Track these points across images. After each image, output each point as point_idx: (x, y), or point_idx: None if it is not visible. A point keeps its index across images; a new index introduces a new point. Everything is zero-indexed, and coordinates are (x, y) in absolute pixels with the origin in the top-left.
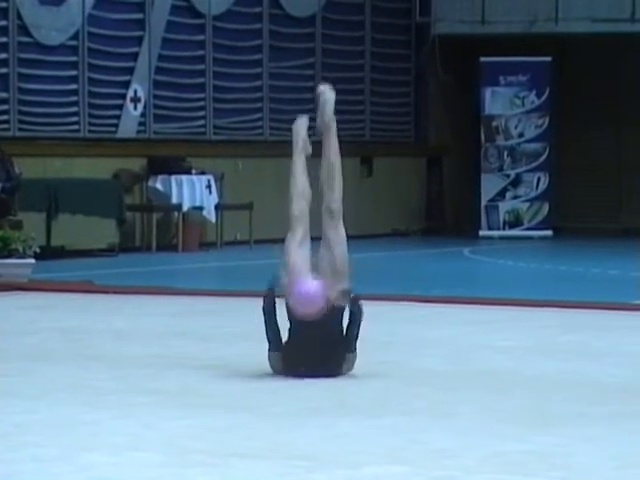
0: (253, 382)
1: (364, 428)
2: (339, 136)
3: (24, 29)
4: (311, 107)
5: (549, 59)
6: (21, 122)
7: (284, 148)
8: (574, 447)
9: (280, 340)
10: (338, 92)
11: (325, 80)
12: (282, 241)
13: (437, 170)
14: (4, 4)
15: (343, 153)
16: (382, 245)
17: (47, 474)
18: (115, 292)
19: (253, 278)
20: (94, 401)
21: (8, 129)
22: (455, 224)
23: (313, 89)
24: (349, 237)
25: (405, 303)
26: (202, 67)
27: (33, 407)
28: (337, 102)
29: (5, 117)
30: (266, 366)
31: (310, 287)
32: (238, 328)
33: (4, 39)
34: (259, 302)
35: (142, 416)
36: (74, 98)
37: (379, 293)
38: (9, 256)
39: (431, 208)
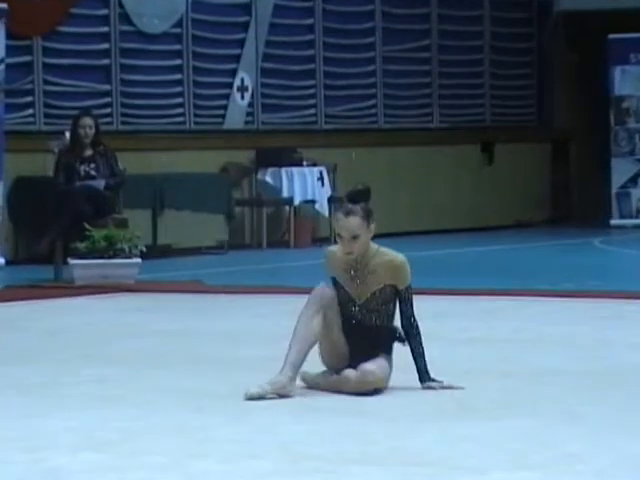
0: None
1: (487, 431)
2: (458, 122)
3: (125, 17)
4: (428, 92)
5: None
6: (124, 115)
7: (400, 136)
8: None
9: None
10: (455, 75)
11: (442, 63)
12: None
13: (563, 156)
14: None
15: (463, 140)
16: (505, 237)
17: None
18: (225, 292)
19: None
20: (205, 406)
21: (111, 123)
22: (583, 213)
23: (430, 73)
24: (468, 229)
25: (532, 298)
26: (312, 53)
27: (142, 413)
28: (455, 86)
29: (108, 110)
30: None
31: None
32: None
33: (105, 29)
34: None
35: (255, 421)
36: (178, 89)
37: (503, 288)
38: (115, 256)
39: (557, 197)
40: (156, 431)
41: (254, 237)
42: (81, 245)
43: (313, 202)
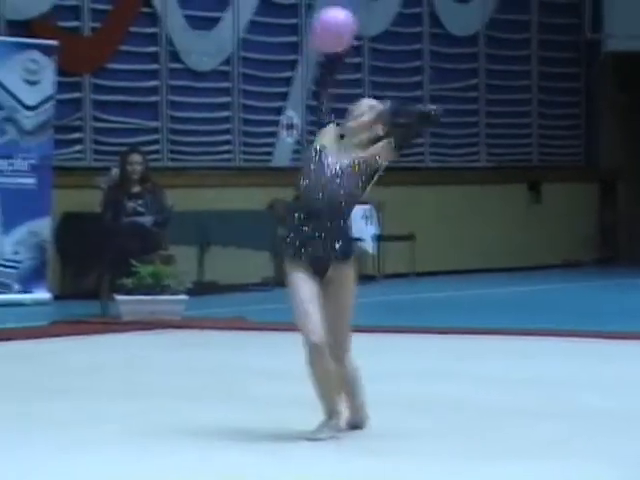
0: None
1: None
2: (505, 161)
3: (175, 55)
4: (475, 131)
5: None
6: (172, 152)
7: (446, 175)
8: None
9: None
10: (503, 115)
11: (489, 102)
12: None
13: (610, 196)
14: (154, 29)
15: (510, 179)
16: (553, 277)
17: None
18: (269, 329)
19: (414, 313)
20: (246, 445)
21: (159, 159)
22: (631, 253)
23: (477, 112)
24: (515, 268)
25: (579, 339)
26: (359, 91)
27: (178, 449)
28: (502, 126)
29: (156, 147)
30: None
31: (339, 16)
32: (405, 365)
33: (154, 66)
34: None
35: (300, 462)
36: (226, 126)
37: (552, 328)
38: (161, 292)
39: (605, 237)
40: (191, 468)
41: None
42: (128, 281)
43: (359, 240)
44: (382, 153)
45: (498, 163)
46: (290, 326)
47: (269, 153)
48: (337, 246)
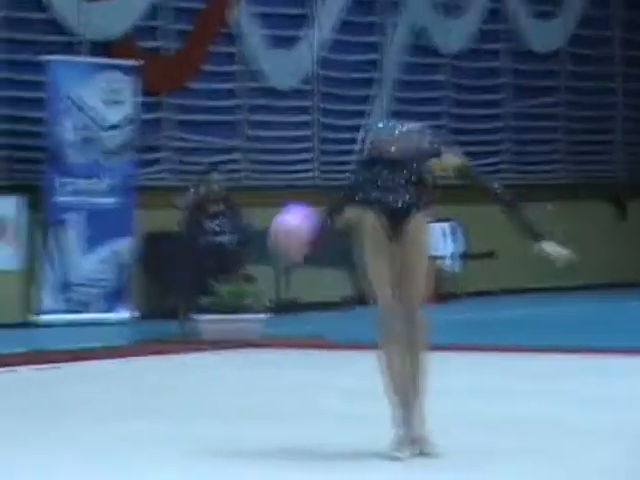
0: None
1: None
2: (588, 177)
3: (254, 74)
4: (557, 148)
5: None
6: (252, 171)
7: (528, 192)
8: None
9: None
10: (586, 132)
11: (571, 119)
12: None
13: None
14: (234, 49)
15: (593, 195)
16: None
17: None
18: (347, 348)
19: (496, 331)
20: (319, 465)
21: (239, 179)
22: None
23: (558, 129)
24: (600, 286)
25: None
26: (439, 109)
27: (248, 469)
28: (585, 143)
29: (236, 166)
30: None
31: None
32: (485, 383)
33: (234, 85)
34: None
35: None
36: (306, 144)
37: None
38: (240, 311)
39: None
40: None
41: None
42: (207, 300)
43: (440, 258)
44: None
45: (581, 180)
46: (367, 345)
47: (347, 171)
48: (410, 196)
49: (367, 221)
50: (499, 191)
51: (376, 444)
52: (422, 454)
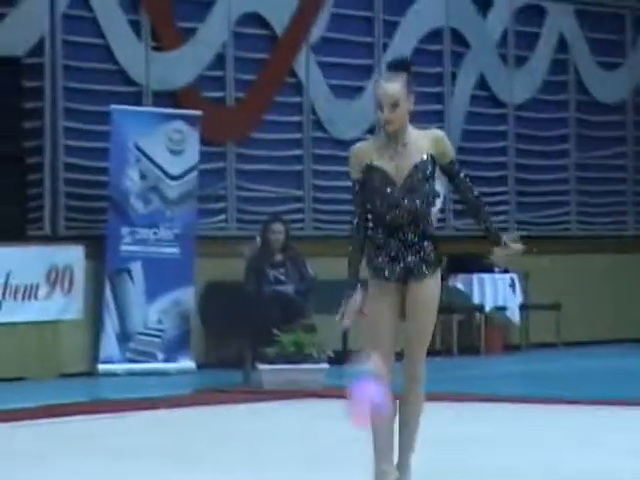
0: None
1: None
2: None
3: (318, 124)
4: (623, 199)
5: None
6: (315, 220)
7: (593, 243)
8: None
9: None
10: None
11: (637, 170)
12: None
13: None
14: (299, 99)
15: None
16: None
17: None
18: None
19: (560, 384)
20: None
21: (302, 228)
22: None
23: (625, 180)
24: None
25: None
26: (504, 159)
27: None
28: None
29: (299, 216)
30: None
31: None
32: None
33: (298, 135)
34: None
35: None
36: None
37: None
38: (303, 361)
39: None
40: None
41: (444, 343)
42: (270, 350)
43: (504, 309)
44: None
45: None
46: (429, 397)
47: None
48: (417, 258)
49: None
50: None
51: None
52: None
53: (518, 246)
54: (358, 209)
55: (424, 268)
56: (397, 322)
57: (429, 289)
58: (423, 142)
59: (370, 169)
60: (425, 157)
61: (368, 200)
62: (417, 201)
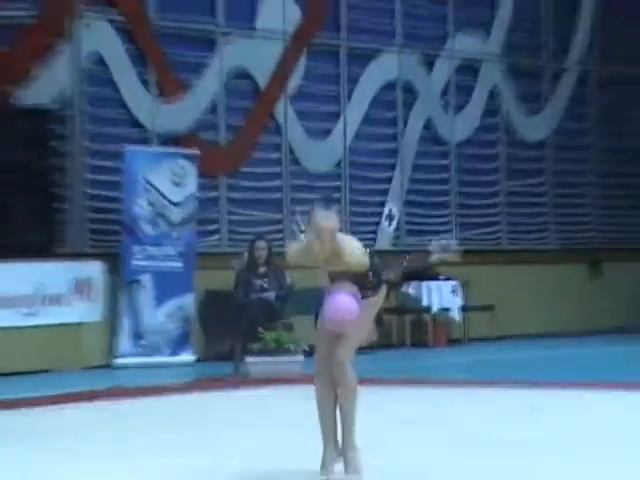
0: None
1: None
2: (570, 243)
3: (295, 160)
4: (544, 220)
5: None
6: (292, 239)
7: (521, 256)
8: None
9: None
10: (568, 205)
11: (557, 195)
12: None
13: None
14: (278, 139)
15: (574, 258)
16: (611, 339)
17: None
18: (372, 382)
19: (493, 370)
20: None
21: (281, 245)
22: None
23: (545, 204)
24: (578, 332)
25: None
26: (447, 187)
27: None
28: (568, 214)
29: (279, 235)
30: None
31: (342, 300)
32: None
33: (278, 169)
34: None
35: None
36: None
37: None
38: (283, 354)
39: None
40: None
41: (399, 338)
42: (255, 345)
43: (448, 310)
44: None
45: (563, 244)
46: (389, 382)
47: (373, 239)
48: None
49: None
50: (405, 264)
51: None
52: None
53: (450, 255)
54: None
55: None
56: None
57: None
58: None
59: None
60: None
61: None
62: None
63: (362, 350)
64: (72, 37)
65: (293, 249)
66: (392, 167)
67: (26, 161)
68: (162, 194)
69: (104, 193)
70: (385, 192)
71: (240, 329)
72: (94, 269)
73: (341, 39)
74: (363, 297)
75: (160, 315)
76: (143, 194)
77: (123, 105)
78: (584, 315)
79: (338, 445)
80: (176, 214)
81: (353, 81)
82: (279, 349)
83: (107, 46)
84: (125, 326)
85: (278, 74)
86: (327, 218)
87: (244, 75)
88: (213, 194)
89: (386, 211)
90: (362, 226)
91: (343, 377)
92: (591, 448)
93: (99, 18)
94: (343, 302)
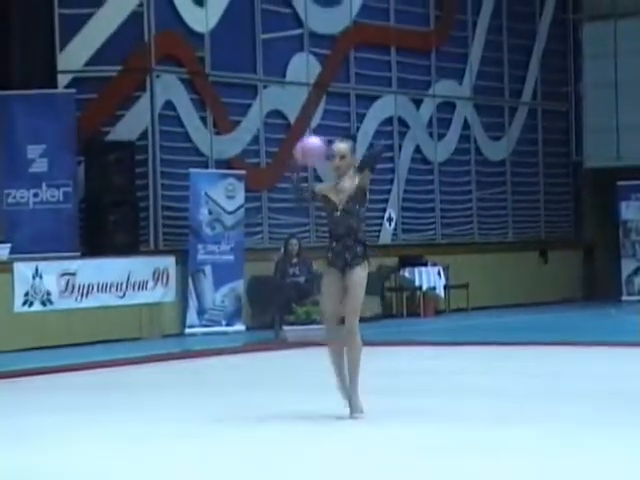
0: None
1: None
2: (524, 236)
3: (318, 177)
4: (505, 220)
5: None
6: (317, 237)
7: (488, 246)
8: None
9: None
10: (525, 208)
11: (515, 201)
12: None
13: (590, 258)
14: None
15: (527, 248)
16: (553, 309)
17: None
18: (379, 344)
19: (470, 333)
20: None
21: (309, 242)
22: (604, 293)
23: (506, 207)
24: (530, 304)
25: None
26: (432, 197)
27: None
28: (524, 215)
29: (307, 234)
30: None
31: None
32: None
33: (305, 184)
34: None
35: None
36: None
37: (550, 340)
38: (311, 324)
39: (588, 283)
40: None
41: (397, 310)
42: (290, 317)
43: (434, 288)
44: (365, 180)
45: (520, 238)
46: (388, 343)
47: (377, 236)
48: (351, 255)
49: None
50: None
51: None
52: (351, 414)
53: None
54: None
55: (355, 261)
56: (339, 296)
57: (358, 274)
58: (353, 182)
59: (324, 198)
60: (354, 190)
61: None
62: (351, 220)
63: (369, 320)
64: (149, 88)
65: (317, 186)
66: (390, 181)
67: (117, 182)
68: (219, 205)
69: (175, 205)
70: (386, 200)
71: (278, 305)
72: (169, 262)
73: (350, 86)
74: (359, 263)
75: (218, 296)
76: (204, 205)
77: (188, 139)
78: (535, 291)
79: (348, 391)
80: (229, 219)
81: (360, 118)
82: (308, 320)
83: (175, 94)
84: (192, 305)
85: (304, 113)
86: (342, 142)
87: (278, 114)
88: (257, 204)
89: (387, 215)
90: (368, 226)
91: (352, 341)
92: (529, 394)
93: (169, 72)
94: (311, 139)
